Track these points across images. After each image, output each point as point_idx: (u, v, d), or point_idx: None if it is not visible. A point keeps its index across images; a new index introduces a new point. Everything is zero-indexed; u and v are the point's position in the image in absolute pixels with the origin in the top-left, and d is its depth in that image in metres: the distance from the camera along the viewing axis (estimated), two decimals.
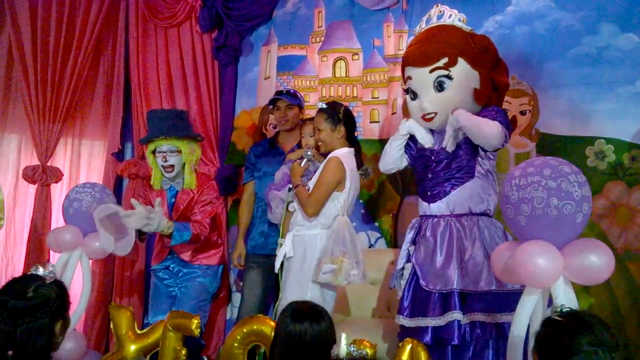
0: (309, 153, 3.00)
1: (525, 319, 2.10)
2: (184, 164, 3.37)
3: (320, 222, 2.89)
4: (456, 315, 2.59)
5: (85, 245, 3.16)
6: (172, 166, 3.31)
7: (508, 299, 2.46)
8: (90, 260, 3.32)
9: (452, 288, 2.62)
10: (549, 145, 3.37)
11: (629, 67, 3.24)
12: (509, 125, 2.70)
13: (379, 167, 3.05)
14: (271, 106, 3.53)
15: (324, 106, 3.00)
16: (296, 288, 2.85)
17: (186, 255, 3.39)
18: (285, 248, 2.94)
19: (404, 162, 2.96)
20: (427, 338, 2.58)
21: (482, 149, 2.72)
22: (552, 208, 1.99)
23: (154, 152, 3.35)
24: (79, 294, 3.18)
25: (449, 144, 2.73)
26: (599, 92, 3.29)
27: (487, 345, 2.59)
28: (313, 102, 3.96)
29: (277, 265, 2.99)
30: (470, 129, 2.63)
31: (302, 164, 2.97)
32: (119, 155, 4.31)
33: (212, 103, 4.13)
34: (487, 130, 2.59)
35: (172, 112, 3.56)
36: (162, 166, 3.31)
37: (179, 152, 3.33)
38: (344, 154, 2.93)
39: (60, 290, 1.78)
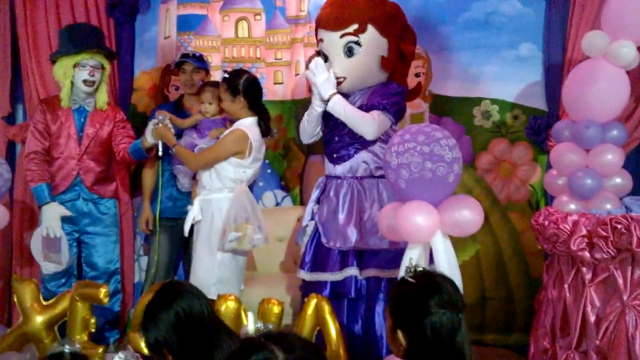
0: (161, 118, 3.12)
1: None
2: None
3: (226, 185, 2.98)
4: (352, 271, 2.80)
5: None
6: (94, 82, 3.28)
7: (399, 256, 2.66)
8: None
9: (350, 246, 2.81)
10: (441, 106, 3.60)
11: (512, 32, 3.50)
12: (397, 111, 2.86)
13: (301, 139, 3.16)
14: (176, 68, 3.47)
15: (226, 76, 3.01)
16: (206, 252, 2.94)
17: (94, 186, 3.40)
18: (194, 212, 3.00)
19: (320, 132, 3.07)
20: (326, 292, 2.77)
21: None
22: (427, 171, 2.18)
23: (74, 65, 3.25)
24: None
25: (316, 104, 2.88)
26: (485, 55, 3.54)
27: (380, 298, 2.82)
28: (216, 63, 3.92)
29: (187, 228, 3.06)
30: (346, 121, 2.81)
31: (164, 125, 3.09)
32: (9, 119, 4.07)
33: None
34: (362, 129, 2.78)
35: (96, 28, 3.48)
36: (85, 81, 3.25)
37: (103, 69, 3.32)
38: (248, 125, 2.98)
39: None
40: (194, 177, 3.26)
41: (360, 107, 2.85)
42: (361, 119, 2.78)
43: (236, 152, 2.94)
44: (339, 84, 2.90)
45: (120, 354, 1.26)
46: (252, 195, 3.03)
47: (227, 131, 3.02)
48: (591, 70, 2.84)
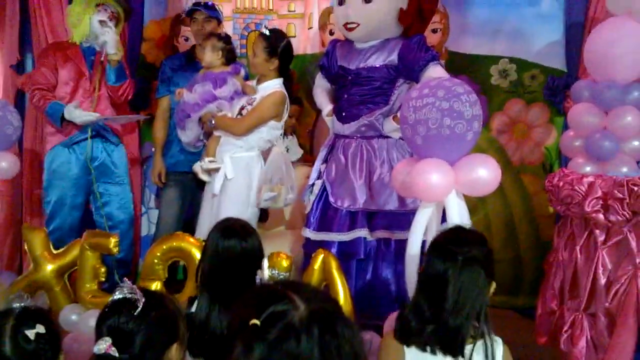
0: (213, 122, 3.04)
1: (420, 230, 2.29)
2: None
3: (259, 144, 3.00)
4: (362, 232, 2.78)
5: None
6: (111, 27, 3.29)
7: (409, 218, 2.62)
8: None
9: (359, 206, 2.78)
10: (457, 63, 3.51)
11: None
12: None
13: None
14: (187, 18, 3.39)
15: (268, 33, 2.96)
16: (236, 207, 2.91)
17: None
18: (225, 169, 2.97)
19: None
20: (333, 251, 2.74)
21: (406, 76, 2.80)
22: (445, 128, 2.10)
23: (97, 5, 3.27)
24: None
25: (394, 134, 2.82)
26: (505, 12, 3.43)
27: (388, 259, 2.81)
28: (227, 13, 3.83)
29: (218, 186, 2.99)
30: None
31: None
32: (18, 67, 4.02)
33: None
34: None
35: None
36: (102, 21, 3.25)
37: (118, 19, 3.35)
38: (281, 86, 2.97)
39: None
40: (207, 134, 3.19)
41: (384, 66, 2.78)
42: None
43: (277, 114, 2.96)
44: (351, 29, 2.82)
45: (121, 288, 1.23)
46: (288, 157, 3.06)
47: (262, 92, 2.98)
48: (615, 28, 2.75)
